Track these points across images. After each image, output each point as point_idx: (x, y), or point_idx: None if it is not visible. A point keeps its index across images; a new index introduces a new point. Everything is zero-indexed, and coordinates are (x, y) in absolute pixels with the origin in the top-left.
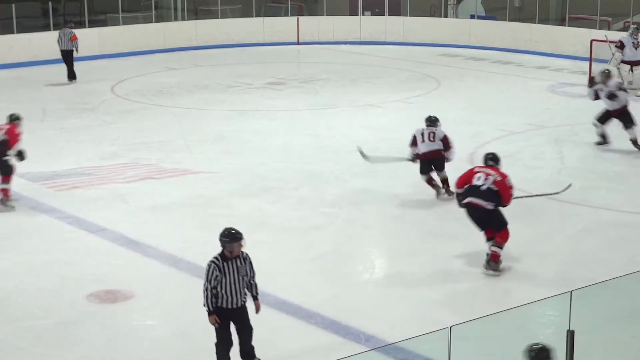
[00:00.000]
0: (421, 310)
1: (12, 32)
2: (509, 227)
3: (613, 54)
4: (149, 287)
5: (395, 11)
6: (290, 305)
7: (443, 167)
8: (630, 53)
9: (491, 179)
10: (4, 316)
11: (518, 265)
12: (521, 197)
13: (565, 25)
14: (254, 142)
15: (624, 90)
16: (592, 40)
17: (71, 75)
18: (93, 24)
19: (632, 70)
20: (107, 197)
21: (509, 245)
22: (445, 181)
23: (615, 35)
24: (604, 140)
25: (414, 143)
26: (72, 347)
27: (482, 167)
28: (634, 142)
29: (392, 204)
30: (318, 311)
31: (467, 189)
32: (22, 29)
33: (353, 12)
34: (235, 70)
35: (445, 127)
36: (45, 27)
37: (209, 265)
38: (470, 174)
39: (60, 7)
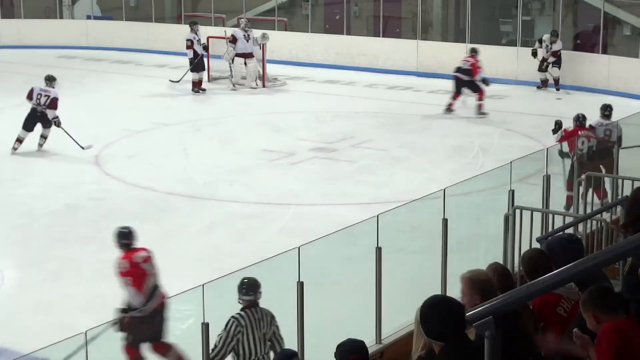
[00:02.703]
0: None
1: None
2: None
3: (227, 49)
4: None
5: (9, 13)
6: None
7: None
8: (242, 46)
9: None
10: None
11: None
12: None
13: (181, 24)
14: None
15: None
16: (208, 37)
17: None
18: None
19: (245, 64)
20: None
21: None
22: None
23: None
24: None
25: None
26: None
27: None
28: None
29: None
30: None
31: None
32: None
33: None
34: None
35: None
36: None
37: None
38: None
39: None
